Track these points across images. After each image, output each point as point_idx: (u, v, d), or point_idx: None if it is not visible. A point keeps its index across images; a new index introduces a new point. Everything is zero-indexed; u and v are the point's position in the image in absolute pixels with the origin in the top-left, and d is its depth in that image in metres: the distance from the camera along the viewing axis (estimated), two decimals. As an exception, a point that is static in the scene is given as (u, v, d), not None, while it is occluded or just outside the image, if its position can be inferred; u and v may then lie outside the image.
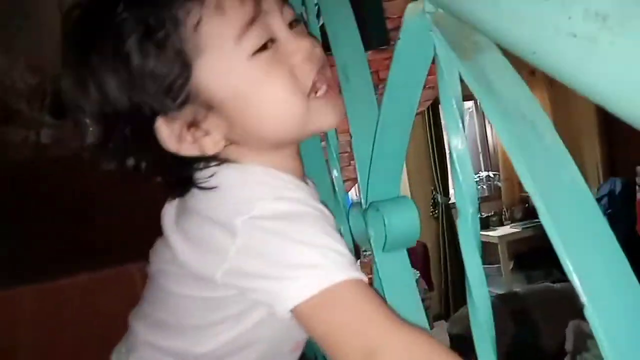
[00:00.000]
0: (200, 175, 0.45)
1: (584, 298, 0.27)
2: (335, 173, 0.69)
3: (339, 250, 0.41)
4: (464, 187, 0.41)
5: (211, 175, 0.45)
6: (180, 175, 0.46)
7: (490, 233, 4.25)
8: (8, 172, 2.20)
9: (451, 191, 4.15)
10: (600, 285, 0.28)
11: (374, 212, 0.53)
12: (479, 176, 4.62)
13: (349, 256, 0.42)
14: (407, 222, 0.53)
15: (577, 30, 0.23)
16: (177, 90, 0.42)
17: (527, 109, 0.33)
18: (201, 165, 0.45)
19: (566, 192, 0.30)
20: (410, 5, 0.41)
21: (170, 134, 0.44)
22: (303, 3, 0.71)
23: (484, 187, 4.73)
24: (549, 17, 0.25)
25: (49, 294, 1.09)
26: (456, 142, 0.41)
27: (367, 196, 0.55)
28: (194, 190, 0.45)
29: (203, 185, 0.44)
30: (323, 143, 0.75)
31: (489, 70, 0.34)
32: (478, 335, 0.41)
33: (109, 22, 0.41)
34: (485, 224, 4.33)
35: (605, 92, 0.23)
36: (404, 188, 4.16)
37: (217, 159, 0.46)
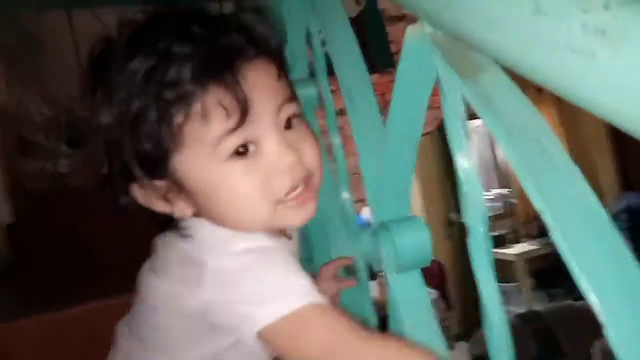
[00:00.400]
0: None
1: (602, 318, 0.27)
2: (345, 194, 0.68)
3: (302, 282, 0.43)
4: (473, 206, 0.41)
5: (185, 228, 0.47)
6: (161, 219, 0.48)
7: (507, 251, 4.18)
8: (26, 203, 2.24)
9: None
10: (618, 303, 0.27)
11: (385, 232, 0.52)
12: (493, 193, 4.57)
13: (310, 286, 0.43)
14: (418, 242, 0.52)
15: (576, 45, 0.23)
16: (151, 166, 0.44)
17: (532, 126, 0.33)
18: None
19: (576, 208, 0.29)
20: (410, 28, 0.41)
21: (143, 196, 0.46)
22: (307, 29, 0.73)
23: (500, 204, 4.67)
24: (547, 33, 0.25)
25: (54, 323, 1.10)
26: (462, 161, 0.41)
27: (377, 217, 0.55)
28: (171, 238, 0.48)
29: (180, 233, 0.47)
30: (332, 166, 0.76)
31: (492, 89, 0.34)
32: (496, 357, 0.40)
33: (117, 77, 0.43)
34: (501, 242, 4.26)
35: (606, 104, 0.22)
36: (418, 207, 4.13)
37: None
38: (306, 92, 0.78)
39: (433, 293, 3.09)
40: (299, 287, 0.43)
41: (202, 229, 0.47)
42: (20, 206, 2.17)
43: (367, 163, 0.57)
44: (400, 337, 0.49)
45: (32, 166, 2.40)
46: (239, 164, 0.43)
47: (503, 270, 4.29)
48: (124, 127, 0.42)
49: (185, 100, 0.41)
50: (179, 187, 0.45)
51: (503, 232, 4.44)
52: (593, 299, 0.27)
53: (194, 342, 0.49)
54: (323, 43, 0.69)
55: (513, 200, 4.61)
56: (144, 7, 0.47)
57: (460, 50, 0.37)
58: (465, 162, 0.40)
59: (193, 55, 0.41)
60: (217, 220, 0.46)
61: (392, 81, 0.44)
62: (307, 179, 0.46)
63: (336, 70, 0.60)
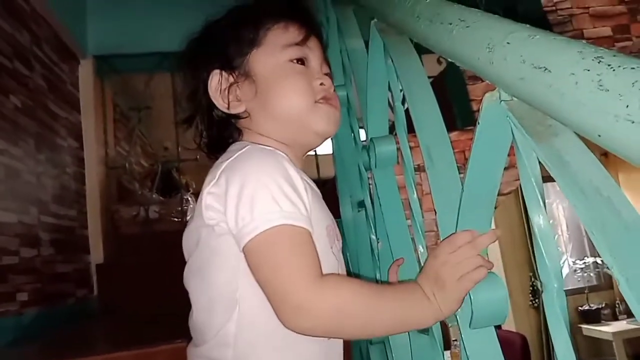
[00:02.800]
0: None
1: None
2: (420, 249, 0.71)
3: (295, 206, 0.52)
4: (548, 262, 0.42)
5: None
6: (219, 134, 0.65)
7: (603, 328, 3.72)
8: (117, 246, 2.44)
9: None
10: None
11: (459, 286, 0.54)
12: (585, 262, 4.23)
13: (301, 212, 0.52)
14: (493, 298, 0.53)
15: (634, 117, 0.27)
16: (238, 56, 0.63)
17: (603, 187, 0.35)
18: (230, 127, 0.65)
19: (647, 266, 0.31)
20: (487, 95, 0.45)
21: (217, 85, 0.63)
22: (389, 89, 0.79)
23: (591, 274, 4.28)
24: (609, 106, 0.29)
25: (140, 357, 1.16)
26: (538, 220, 0.43)
27: (451, 271, 0.57)
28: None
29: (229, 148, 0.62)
30: (409, 221, 0.78)
31: (564, 151, 0.37)
32: None
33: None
34: (596, 318, 3.85)
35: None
36: (499, 275, 3.92)
37: (236, 126, 0.64)
38: (386, 148, 0.83)
39: (512, 366, 2.87)
40: (284, 208, 0.51)
41: (236, 147, 0.59)
42: (110, 248, 2.37)
43: (445, 220, 0.59)
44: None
45: (127, 212, 2.64)
46: (296, 67, 0.63)
47: (597, 350, 3.87)
48: (230, 25, 0.65)
49: (276, 17, 0.64)
50: (246, 76, 0.62)
51: (598, 306, 4.02)
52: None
53: (226, 260, 0.55)
54: (403, 101, 0.74)
55: (608, 271, 4.23)
56: None
57: (534, 116, 0.40)
58: (541, 220, 0.43)
59: (292, 6, 0.66)
60: (266, 109, 0.62)
61: (472, 139, 0.48)
62: (333, 100, 0.64)
63: (416, 129, 0.64)
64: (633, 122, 0.26)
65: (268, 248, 0.51)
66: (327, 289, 0.49)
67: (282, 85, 0.61)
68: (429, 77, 2.50)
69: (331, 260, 0.60)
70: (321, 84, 0.63)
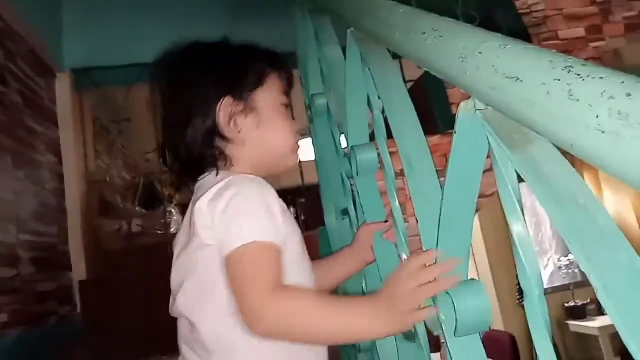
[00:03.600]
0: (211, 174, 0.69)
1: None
2: (404, 256, 0.71)
3: (268, 227, 0.60)
4: (529, 270, 0.42)
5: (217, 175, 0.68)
6: (198, 158, 0.69)
7: (589, 324, 3.76)
8: (100, 261, 2.40)
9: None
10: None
11: (444, 295, 0.54)
12: (569, 259, 4.28)
13: (272, 229, 0.60)
14: (478, 305, 0.53)
15: (604, 127, 0.27)
16: (247, 89, 0.71)
17: (578, 194, 0.36)
18: (214, 152, 0.69)
19: (622, 271, 0.31)
20: (462, 103, 0.46)
21: (226, 110, 0.69)
22: (368, 99, 0.79)
23: (576, 271, 4.33)
24: (580, 116, 0.29)
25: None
26: (517, 228, 0.43)
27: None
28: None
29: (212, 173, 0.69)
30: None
31: (539, 159, 0.38)
32: None
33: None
34: (582, 314, 3.89)
35: (633, 177, 0.25)
36: (486, 275, 3.94)
37: (223, 153, 0.69)
38: (367, 156, 0.83)
39: (502, 366, 2.88)
40: (265, 227, 0.59)
41: (222, 175, 0.67)
42: (93, 264, 2.33)
43: (426, 226, 0.59)
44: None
45: (109, 226, 2.60)
46: (287, 112, 0.74)
47: (585, 346, 3.90)
48: (242, 60, 0.72)
49: (276, 65, 0.74)
50: (251, 109, 0.70)
51: (583, 302, 4.06)
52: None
53: (217, 270, 0.61)
54: (382, 110, 0.74)
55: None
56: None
57: (509, 124, 0.40)
58: (520, 228, 0.43)
59: (276, 55, 0.77)
60: (260, 138, 0.70)
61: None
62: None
63: (395, 137, 0.64)
64: (603, 132, 0.27)
65: (238, 262, 0.58)
66: (281, 299, 0.57)
67: (280, 124, 0.72)
68: (410, 81, 2.51)
69: (307, 266, 0.70)
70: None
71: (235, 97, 0.69)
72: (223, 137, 0.68)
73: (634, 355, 0.28)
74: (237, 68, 0.71)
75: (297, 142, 0.74)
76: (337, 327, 0.57)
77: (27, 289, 1.75)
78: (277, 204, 0.63)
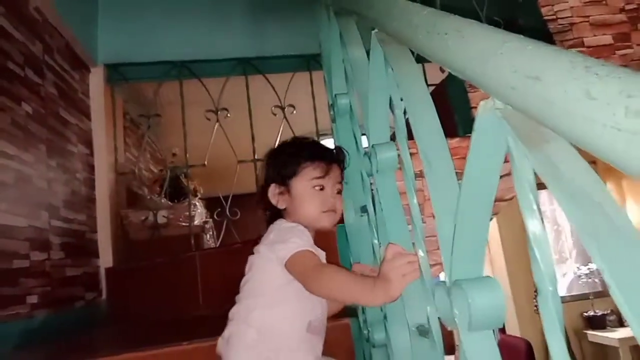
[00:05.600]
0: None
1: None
2: (421, 253, 0.72)
3: (305, 243, 0.93)
4: (543, 267, 0.43)
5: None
6: (270, 214, 1.06)
7: (609, 335, 3.71)
8: (126, 250, 2.46)
9: (558, 285, 3.80)
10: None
11: (458, 290, 0.55)
12: (589, 268, 4.20)
13: (308, 245, 0.93)
14: (491, 300, 0.54)
15: (620, 126, 0.28)
16: (286, 178, 1.04)
17: (594, 192, 0.36)
18: (276, 214, 1.05)
19: (637, 269, 0.32)
20: (482, 102, 0.47)
21: (273, 192, 1.04)
22: (390, 100, 0.80)
23: (596, 280, 4.25)
24: (597, 115, 0.30)
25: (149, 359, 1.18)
26: (532, 225, 0.43)
27: (450, 275, 0.58)
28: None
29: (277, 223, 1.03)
30: (410, 226, 0.79)
31: (556, 158, 0.38)
32: None
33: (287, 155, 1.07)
34: (602, 324, 3.83)
35: (647, 175, 0.26)
36: (504, 282, 3.89)
37: (281, 215, 1.04)
38: (387, 155, 0.84)
39: (519, 373, 2.85)
40: (303, 244, 0.91)
41: (279, 221, 1.02)
42: (120, 252, 2.40)
43: (443, 224, 0.60)
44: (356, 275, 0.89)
45: (136, 217, 2.66)
46: (317, 192, 1.02)
47: (603, 357, 3.83)
48: (285, 162, 1.04)
49: (310, 158, 1.03)
50: (288, 192, 1.03)
51: (603, 312, 3.99)
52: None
53: (277, 280, 0.94)
54: (404, 111, 0.75)
55: (612, 278, 4.18)
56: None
57: (527, 123, 0.41)
58: (535, 226, 0.43)
59: (319, 151, 1.06)
60: (294, 211, 1.02)
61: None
62: (334, 210, 1.03)
63: (415, 137, 0.65)
64: (619, 130, 0.27)
65: (297, 257, 0.91)
66: (325, 269, 0.88)
67: (308, 202, 1.01)
68: (431, 85, 2.51)
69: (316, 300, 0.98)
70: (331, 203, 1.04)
71: (278, 184, 1.03)
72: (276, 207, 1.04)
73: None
74: (281, 163, 1.04)
75: (323, 211, 1.01)
76: (352, 290, 0.83)
77: (56, 273, 1.82)
78: (310, 242, 0.96)
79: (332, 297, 0.91)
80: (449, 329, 0.62)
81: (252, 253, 1.01)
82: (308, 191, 1.01)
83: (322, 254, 0.97)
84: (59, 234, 1.87)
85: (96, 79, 2.49)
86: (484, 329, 0.55)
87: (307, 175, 1.02)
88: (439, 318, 0.63)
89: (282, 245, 0.93)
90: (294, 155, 1.04)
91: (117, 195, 2.55)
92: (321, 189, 1.01)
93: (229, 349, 0.94)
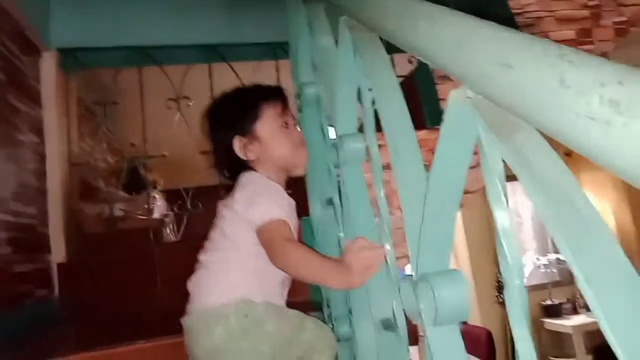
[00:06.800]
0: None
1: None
2: (387, 246, 0.71)
3: (280, 208, 0.90)
4: (510, 260, 0.42)
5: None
6: (235, 170, 1.00)
7: (564, 322, 3.88)
8: (79, 244, 2.36)
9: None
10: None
11: (424, 283, 0.54)
12: (548, 259, 4.36)
13: (283, 211, 0.90)
14: (457, 294, 0.53)
15: (594, 115, 0.27)
16: (249, 126, 0.99)
17: (563, 184, 0.36)
18: (245, 166, 1.00)
19: (604, 260, 0.31)
20: (453, 92, 0.46)
21: (239, 145, 0.99)
22: (358, 92, 0.78)
23: (554, 270, 4.41)
24: (570, 104, 0.29)
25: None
26: (501, 218, 0.43)
27: (417, 269, 0.57)
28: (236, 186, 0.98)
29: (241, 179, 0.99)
30: (377, 219, 0.78)
31: (526, 148, 0.38)
32: None
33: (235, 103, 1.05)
34: (557, 312, 3.98)
35: (622, 165, 0.25)
36: (466, 269, 3.98)
37: (249, 166, 1.00)
38: (355, 146, 0.83)
39: (477, 362, 2.93)
40: (276, 211, 0.89)
41: (250, 175, 0.98)
42: (73, 247, 2.29)
43: (410, 217, 0.59)
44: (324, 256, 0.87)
45: (90, 210, 2.55)
46: (284, 129, 1.00)
47: (559, 343, 3.99)
48: (242, 111, 1.00)
49: (267, 99, 1.01)
50: (254, 139, 0.98)
51: (560, 301, 4.15)
52: (619, 352, 0.28)
53: (244, 234, 0.91)
54: (373, 101, 0.74)
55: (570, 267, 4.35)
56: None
57: (498, 112, 0.40)
58: (504, 218, 0.43)
59: (270, 90, 1.05)
60: (267, 158, 0.99)
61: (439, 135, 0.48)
62: (304, 144, 1.04)
63: (383, 126, 0.64)
64: (593, 120, 0.27)
65: (268, 228, 0.89)
66: (291, 246, 0.87)
67: (279, 140, 0.99)
68: (400, 77, 2.52)
69: None
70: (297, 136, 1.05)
71: (241, 135, 0.99)
72: (246, 160, 1.00)
73: (612, 345, 0.28)
74: (239, 113, 1.00)
75: (297, 146, 1.01)
76: (317, 273, 0.84)
77: (3, 270, 1.72)
78: (282, 197, 0.95)
79: (295, 274, 0.89)
80: (414, 323, 0.61)
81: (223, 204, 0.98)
82: (276, 131, 0.99)
83: (293, 219, 0.94)
84: (6, 229, 1.77)
85: (48, 64, 2.36)
86: (449, 323, 0.55)
87: (270, 115, 0.99)
88: (404, 312, 0.63)
89: (254, 208, 0.90)
90: (249, 100, 1.01)
91: (71, 187, 2.44)
92: (286, 126, 1.00)
93: (205, 291, 0.93)
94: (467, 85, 0.42)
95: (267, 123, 0.99)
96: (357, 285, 0.79)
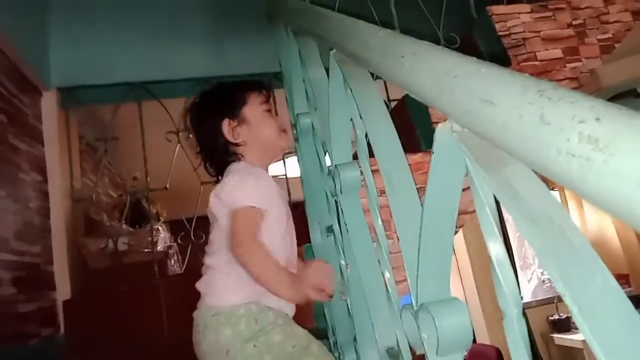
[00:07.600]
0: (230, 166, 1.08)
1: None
2: (387, 274, 0.71)
3: (258, 194, 0.99)
4: (506, 290, 0.42)
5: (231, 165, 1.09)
6: (224, 159, 1.09)
7: (573, 337, 3.82)
8: (85, 280, 2.36)
9: (523, 291, 3.88)
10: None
11: (425, 313, 0.54)
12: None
13: (261, 196, 0.99)
14: (458, 324, 0.53)
15: (574, 152, 0.27)
16: (237, 109, 1.08)
17: (554, 214, 0.36)
18: (231, 153, 1.09)
19: (596, 291, 0.31)
20: (440, 125, 0.46)
21: (229, 127, 1.07)
22: (352, 122, 0.79)
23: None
24: (551, 141, 0.29)
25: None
26: (494, 248, 0.43)
27: (417, 298, 0.57)
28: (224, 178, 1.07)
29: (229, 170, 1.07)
30: (375, 244, 0.78)
31: (514, 180, 0.38)
32: None
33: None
34: (566, 327, 3.92)
35: (603, 200, 0.26)
36: (472, 289, 3.94)
37: (236, 153, 1.08)
38: (350, 174, 0.84)
39: (490, 382, 2.87)
40: (251, 197, 0.98)
41: (236, 164, 1.05)
42: (78, 283, 2.28)
43: (408, 246, 0.59)
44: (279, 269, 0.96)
45: (94, 245, 2.55)
46: (269, 114, 1.10)
47: (571, 358, 3.92)
48: (230, 97, 1.10)
49: (253, 89, 1.11)
50: (243, 122, 1.07)
51: (567, 315, 4.10)
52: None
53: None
54: (365, 131, 0.74)
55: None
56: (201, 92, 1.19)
57: (485, 146, 0.41)
58: (497, 249, 0.43)
59: (252, 82, 1.16)
60: (254, 139, 1.08)
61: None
62: (285, 130, 1.13)
63: (376, 156, 0.65)
64: (574, 156, 0.27)
65: (238, 215, 0.96)
66: (254, 244, 0.94)
67: (265, 123, 1.09)
68: (394, 100, 2.53)
69: (287, 238, 1.05)
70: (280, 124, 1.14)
71: (230, 118, 1.07)
72: (234, 144, 1.07)
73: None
74: (227, 99, 1.09)
75: (280, 130, 1.10)
76: (269, 279, 0.91)
77: (7, 310, 1.71)
78: (268, 185, 1.04)
79: (249, 271, 0.94)
80: (418, 352, 0.61)
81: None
82: (262, 114, 1.09)
83: (284, 207, 1.04)
84: (10, 269, 1.77)
85: (49, 103, 2.40)
86: (452, 353, 0.54)
87: (256, 101, 1.10)
88: (408, 341, 0.62)
89: (234, 193, 0.98)
90: (235, 88, 1.12)
91: (74, 223, 2.45)
92: (269, 112, 1.11)
93: (216, 290, 1.00)
94: (453, 120, 0.43)
95: (254, 108, 1.08)
96: (297, 302, 0.92)
